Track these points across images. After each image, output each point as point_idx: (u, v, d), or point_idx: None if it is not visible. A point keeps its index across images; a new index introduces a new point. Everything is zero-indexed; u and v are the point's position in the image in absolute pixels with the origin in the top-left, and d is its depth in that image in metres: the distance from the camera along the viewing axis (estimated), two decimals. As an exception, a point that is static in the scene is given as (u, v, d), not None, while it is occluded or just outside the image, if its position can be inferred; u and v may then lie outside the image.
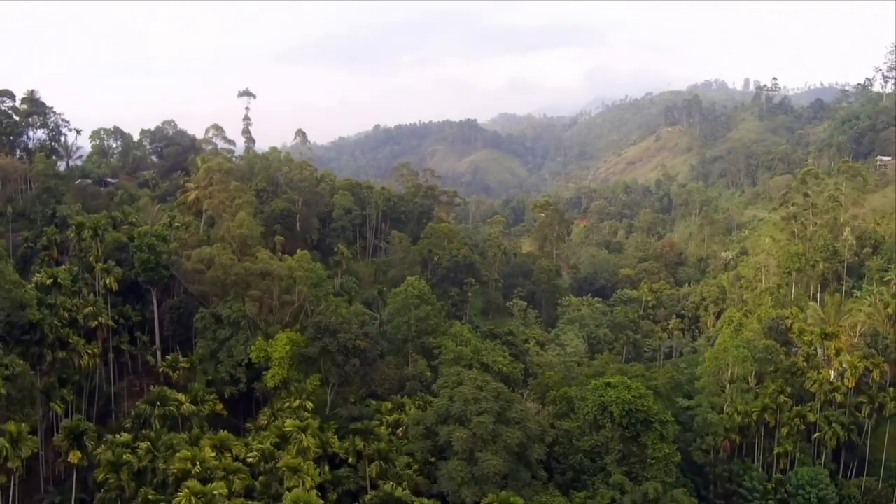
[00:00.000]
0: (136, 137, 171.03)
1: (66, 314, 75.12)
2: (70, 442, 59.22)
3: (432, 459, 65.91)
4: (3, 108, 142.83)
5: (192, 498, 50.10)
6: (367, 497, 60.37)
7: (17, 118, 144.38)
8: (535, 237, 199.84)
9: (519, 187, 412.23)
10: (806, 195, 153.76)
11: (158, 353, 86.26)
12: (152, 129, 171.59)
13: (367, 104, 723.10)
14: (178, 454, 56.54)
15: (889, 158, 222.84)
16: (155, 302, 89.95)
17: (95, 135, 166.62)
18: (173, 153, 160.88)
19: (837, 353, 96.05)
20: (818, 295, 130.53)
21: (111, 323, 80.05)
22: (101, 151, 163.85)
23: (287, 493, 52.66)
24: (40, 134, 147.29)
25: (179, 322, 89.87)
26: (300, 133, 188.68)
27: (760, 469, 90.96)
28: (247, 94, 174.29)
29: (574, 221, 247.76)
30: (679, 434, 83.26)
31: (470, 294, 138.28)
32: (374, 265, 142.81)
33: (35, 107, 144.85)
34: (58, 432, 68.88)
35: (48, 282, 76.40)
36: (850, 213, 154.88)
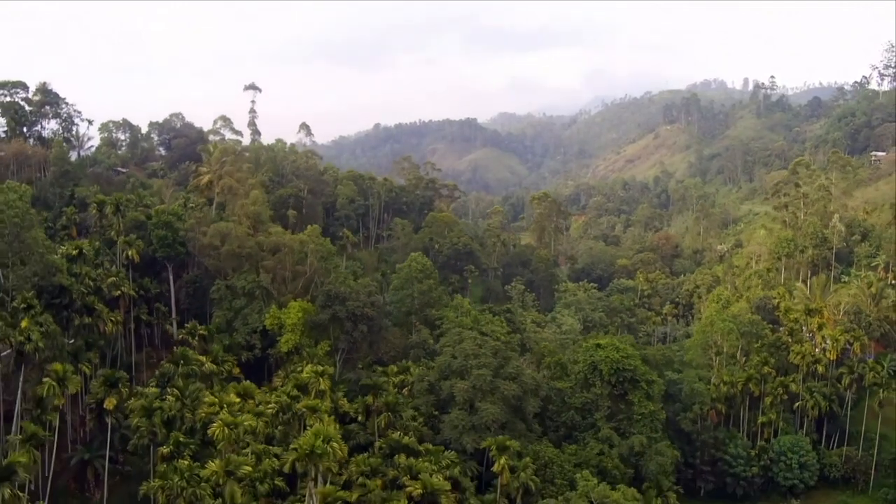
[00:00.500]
0: (144, 130, 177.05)
1: (91, 283, 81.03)
2: (106, 389, 65.05)
3: (436, 413, 72.04)
4: (16, 99, 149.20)
5: (225, 428, 55.97)
6: (377, 444, 66.32)
7: (29, 109, 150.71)
8: (533, 229, 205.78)
9: (518, 185, 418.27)
10: (797, 185, 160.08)
11: (175, 325, 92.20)
12: (160, 121, 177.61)
13: (367, 104, 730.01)
14: (205, 399, 62.41)
15: (883, 154, 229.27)
16: (171, 277, 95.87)
17: (104, 127, 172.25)
18: (181, 144, 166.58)
19: (820, 328, 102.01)
20: (807, 281, 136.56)
21: (132, 293, 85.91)
22: (109, 143, 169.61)
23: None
24: (53, 124, 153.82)
25: (195, 296, 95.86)
26: (304, 126, 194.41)
27: (745, 438, 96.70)
28: (252, 87, 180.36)
29: (573, 217, 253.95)
30: (668, 405, 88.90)
31: (470, 281, 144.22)
32: (377, 252, 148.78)
33: (48, 97, 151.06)
34: (84, 397, 74.90)
35: (74, 252, 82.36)
36: (840, 202, 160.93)
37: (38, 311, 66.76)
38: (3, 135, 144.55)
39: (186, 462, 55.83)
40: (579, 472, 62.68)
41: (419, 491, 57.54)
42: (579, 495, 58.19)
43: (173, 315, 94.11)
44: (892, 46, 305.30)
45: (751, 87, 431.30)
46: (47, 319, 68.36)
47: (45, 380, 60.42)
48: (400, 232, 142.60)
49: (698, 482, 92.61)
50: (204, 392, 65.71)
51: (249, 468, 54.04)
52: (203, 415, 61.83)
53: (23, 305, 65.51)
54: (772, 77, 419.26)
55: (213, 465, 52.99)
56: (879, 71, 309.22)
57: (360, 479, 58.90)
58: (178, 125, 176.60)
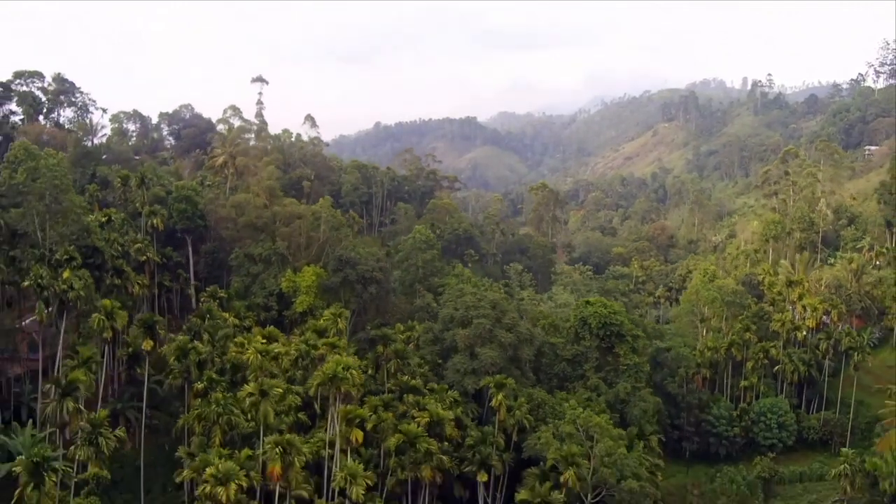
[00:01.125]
0: (154, 121, 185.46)
1: (119, 248, 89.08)
2: (143, 332, 73.01)
3: (440, 361, 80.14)
4: (32, 88, 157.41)
5: (258, 355, 63.89)
6: (388, 386, 74.33)
7: (46, 98, 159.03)
8: (531, 219, 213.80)
9: (518, 183, 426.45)
10: (787, 173, 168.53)
11: (194, 291, 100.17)
12: (170, 112, 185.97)
13: (367, 102, 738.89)
14: (234, 340, 70.32)
15: (876, 147, 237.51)
16: (190, 248, 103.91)
17: (115, 118, 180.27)
18: (191, 134, 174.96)
19: (800, 298, 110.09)
20: (794, 263, 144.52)
21: (157, 259, 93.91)
22: (120, 133, 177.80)
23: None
24: (69, 112, 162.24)
25: (213, 266, 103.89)
26: (309, 118, 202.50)
27: (728, 401, 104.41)
28: (260, 80, 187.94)
29: (571, 212, 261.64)
30: (656, 372, 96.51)
31: (469, 265, 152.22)
32: (380, 236, 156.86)
33: (63, 86, 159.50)
34: (115, 351, 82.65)
35: (103, 219, 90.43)
36: (829, 189, 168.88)
37: (77, 264, 74.74)
38: (20, 123, 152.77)
39: (220, 394, 63.69)
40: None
41: (426, 419, 65.46)
42: (566, 422, 66.07)
43: (192, 283, 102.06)
44: (888, 44, 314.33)
45: (749, 86, 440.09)
46: (85, 274, 76.34)
47: (94, 315, 68.47)
48: (402, 216, 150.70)
49: (684, 443, 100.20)
50: (231, 338, 73.70)
51: (280, 390, 61.92)
52: (233, 355, 69.68)
53: (66, 257, 73.46)
54: (769, 75, 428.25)
55: (249, 387, 60.79)
56: (875, 68, 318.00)
57: (374, 414, 66.77)
58: (188, 116, 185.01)
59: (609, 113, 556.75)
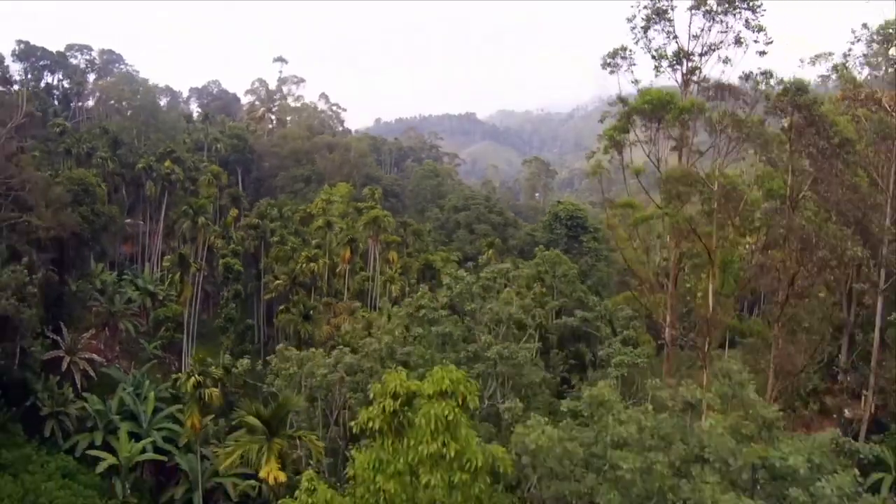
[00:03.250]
0: (185, 94, 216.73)
1: (192, 164, 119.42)
2: (231, 201, 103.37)
3: (446, 240, 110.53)
4: (81, 60, 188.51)
5: (320, 204, 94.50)
6: (408, 251, 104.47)
7: (93, 69, 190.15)
8: (524, 187, 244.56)
9: (515, 177, 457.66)
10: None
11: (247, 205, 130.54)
12: (199, 87, 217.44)
13: (367, 101, 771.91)
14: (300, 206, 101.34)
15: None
16: (240, 176, 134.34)
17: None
18: (218, 106, 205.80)
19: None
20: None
21: (220, 172, 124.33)
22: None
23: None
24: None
25: (259, 191, 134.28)
26: (323, 96, 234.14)
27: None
28: (280, 60, 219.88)
29: (566, 196, 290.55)
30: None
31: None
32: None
33: (111, 57, 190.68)
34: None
35: (186, 138, 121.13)
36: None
37: (175, 158, 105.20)
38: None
39: (292, 238, 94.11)
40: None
41: (438, 261, 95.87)
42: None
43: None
44: (872, 37, 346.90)
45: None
46: (178, 168, 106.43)
47: (201, 178, 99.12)
48: (409, 171, 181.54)
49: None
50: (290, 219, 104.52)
51: (342, 225, 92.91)
52: (297, 216, 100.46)
53: (168, 149, 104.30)
54: (759, 67, 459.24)
55: (318, 222, 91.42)
56: (860, 61, 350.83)
57: (401, 258, 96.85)
58: (215, 90, 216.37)
59: (606, 108, 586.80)
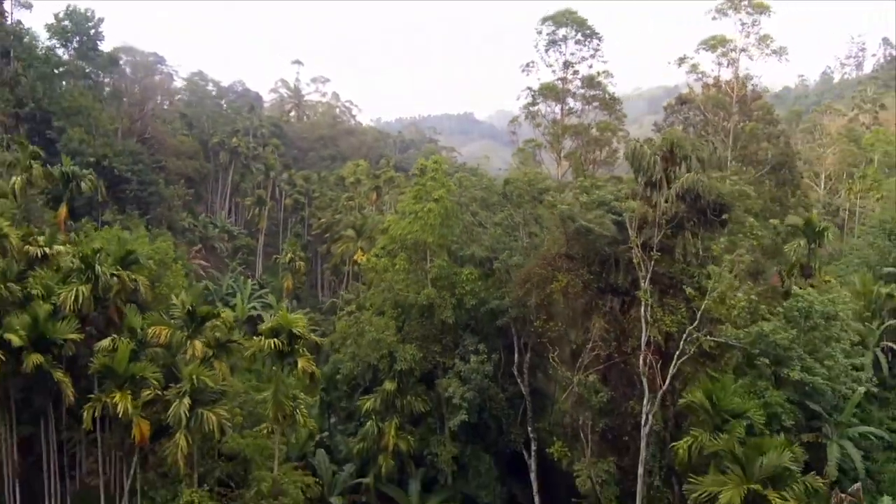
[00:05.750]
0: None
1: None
2: (282, 167, 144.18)
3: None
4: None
5: (349, 169, 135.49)
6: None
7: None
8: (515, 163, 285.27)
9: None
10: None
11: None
12: (224, 85, 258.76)
13: (367, 101, 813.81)
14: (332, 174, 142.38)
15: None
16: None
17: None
18: (245, 103, 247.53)
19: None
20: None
21: (278, 143, 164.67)
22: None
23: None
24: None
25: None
26: (335, 94, 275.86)
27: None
28: (297, 62, 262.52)
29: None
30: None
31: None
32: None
33: (155, 58, 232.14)
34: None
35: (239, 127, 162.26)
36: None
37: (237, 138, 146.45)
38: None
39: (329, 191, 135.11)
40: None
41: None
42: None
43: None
44: (853, 39, 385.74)
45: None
46: (242, 142, 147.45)
47: (266, 148, 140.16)
48: (413, 158, 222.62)
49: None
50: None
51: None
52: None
53: (235, 129, 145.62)
54: (746, 69, 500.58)
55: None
56: (841, 61, 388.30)
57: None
58: (240, 89, 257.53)
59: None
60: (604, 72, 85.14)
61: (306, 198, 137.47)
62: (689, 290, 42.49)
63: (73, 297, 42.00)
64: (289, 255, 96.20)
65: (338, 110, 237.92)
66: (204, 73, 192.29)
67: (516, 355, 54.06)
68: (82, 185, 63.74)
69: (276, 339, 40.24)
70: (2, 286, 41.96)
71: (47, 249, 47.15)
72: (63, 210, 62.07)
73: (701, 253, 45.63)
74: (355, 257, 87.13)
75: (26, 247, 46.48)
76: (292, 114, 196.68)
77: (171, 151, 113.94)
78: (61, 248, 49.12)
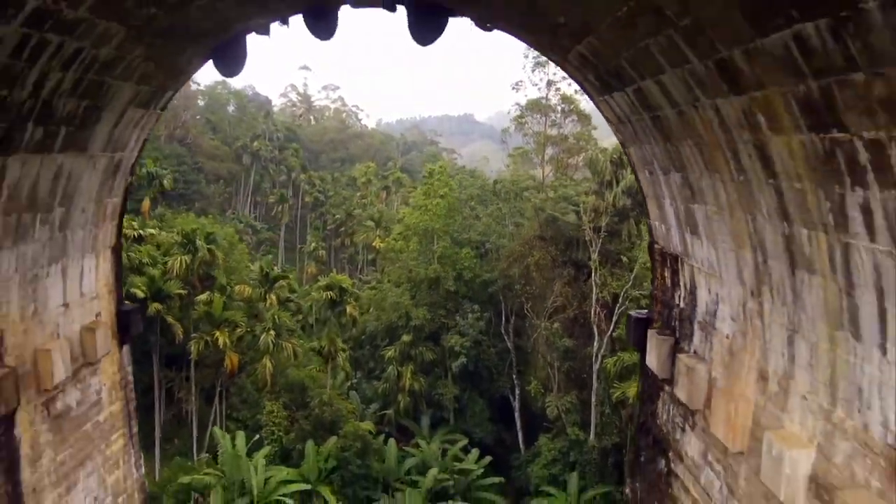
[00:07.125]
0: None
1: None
2: (301, 168, 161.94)
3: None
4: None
5: (360, 170, 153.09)
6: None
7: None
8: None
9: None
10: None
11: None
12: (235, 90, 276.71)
13: (368, 101, 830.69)
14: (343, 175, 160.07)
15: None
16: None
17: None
18: (255, 107, 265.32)
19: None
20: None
21: (298, 147, 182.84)
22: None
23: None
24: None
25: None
26: (340, 98, 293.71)
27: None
28: (305, 68, 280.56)
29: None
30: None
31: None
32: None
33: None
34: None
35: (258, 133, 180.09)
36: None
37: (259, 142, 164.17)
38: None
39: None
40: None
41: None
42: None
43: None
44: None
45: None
46: (264, 146, 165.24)
47: (287, 151, 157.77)
48: (416, 159, 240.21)
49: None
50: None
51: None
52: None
53: (256, 134, 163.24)
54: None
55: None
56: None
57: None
58: (250, 93, 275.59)
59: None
60: (578, 91, 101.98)
61: (324, 196, 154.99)
62: (625, 259, 60.08)
63: (178, 264, 59.46)
64: (313, 244, 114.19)
65: (345, 114, 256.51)
66: (226, 81, 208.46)
67: (503, 318, 71.64)
68: (164, 182, 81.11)
69: (329, 292, 57.65)
70: (124, 255, 59.83)
71: (141, 231, 64.74)
72: (146, 202, 79.37)
73: (642, 235, 63.36)
74: (374, 244, 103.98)
75: (125, 230, 64.42)
76: (303, 118, 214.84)
77: (207, 155, 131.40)
78: (153, 231, 66.82)
